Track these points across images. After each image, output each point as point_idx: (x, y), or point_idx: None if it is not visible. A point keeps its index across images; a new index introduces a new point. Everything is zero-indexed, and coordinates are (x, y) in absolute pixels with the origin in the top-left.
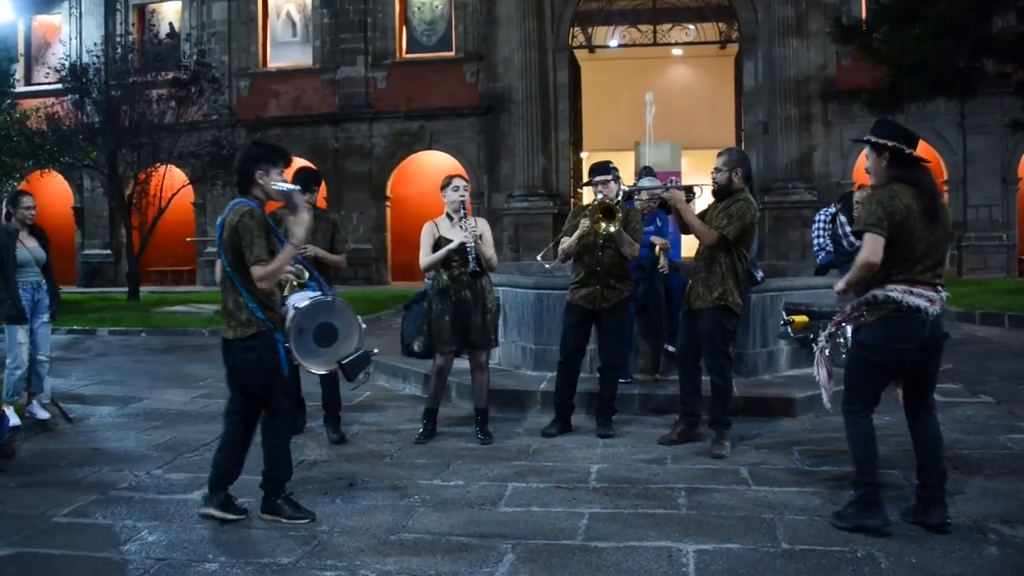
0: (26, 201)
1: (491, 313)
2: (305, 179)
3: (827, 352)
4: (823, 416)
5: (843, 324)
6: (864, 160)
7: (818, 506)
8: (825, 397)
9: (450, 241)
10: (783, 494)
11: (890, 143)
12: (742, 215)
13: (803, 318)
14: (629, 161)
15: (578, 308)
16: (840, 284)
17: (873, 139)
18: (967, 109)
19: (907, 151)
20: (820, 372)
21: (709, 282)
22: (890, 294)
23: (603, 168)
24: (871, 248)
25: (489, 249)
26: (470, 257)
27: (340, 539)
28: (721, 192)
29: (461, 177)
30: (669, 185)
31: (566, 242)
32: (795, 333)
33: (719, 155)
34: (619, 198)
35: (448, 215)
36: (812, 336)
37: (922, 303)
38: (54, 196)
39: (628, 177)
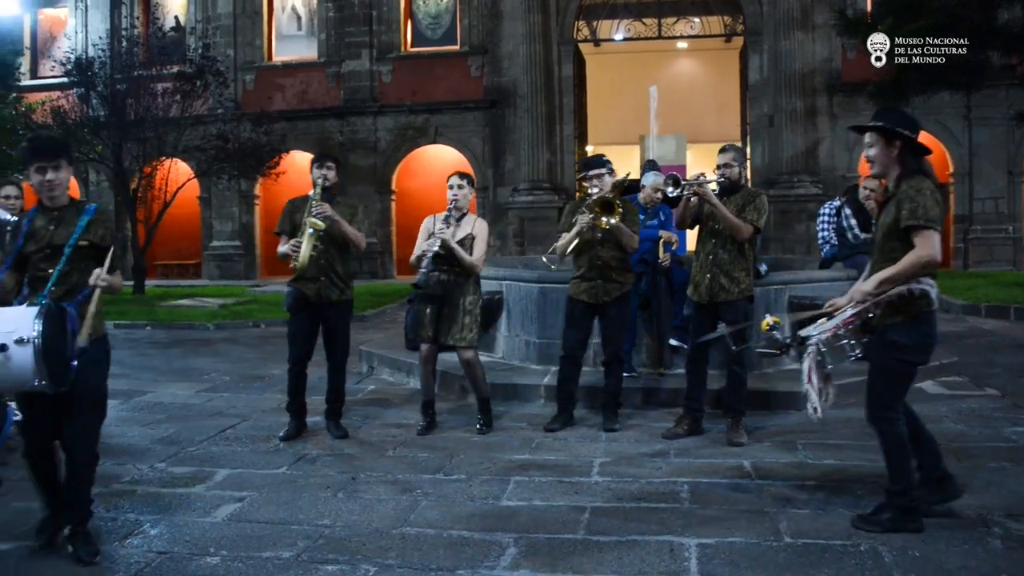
0: (4, 191)
1: (467, 313)
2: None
3: (819, 358)
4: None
5: (849, 326)
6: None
7: (821, 500)
8: (819, 411)
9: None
10: (786, 488)
11: (904, 131)
12: (764, 208)
13: (767, 321)
14: (634, 155)
15: (580, 302)
16: (873, 284)
17: (886, 126)
18: (973, 101)
19: (918, 140)
20: (813, 382)
21: (734, 275)
22: (927, 289)
23: (597, 162)
24: (935, 245)
25: (476, 251)
26: (421, 269)
27: (342, 533)
28: (732, 187)
29: (459, 174)
30: (702, 180)
31: (564, 238)
32: (770, 337)
33: (724, 151)
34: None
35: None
36: (790, 340)
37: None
38: None
39: (633, 170)
